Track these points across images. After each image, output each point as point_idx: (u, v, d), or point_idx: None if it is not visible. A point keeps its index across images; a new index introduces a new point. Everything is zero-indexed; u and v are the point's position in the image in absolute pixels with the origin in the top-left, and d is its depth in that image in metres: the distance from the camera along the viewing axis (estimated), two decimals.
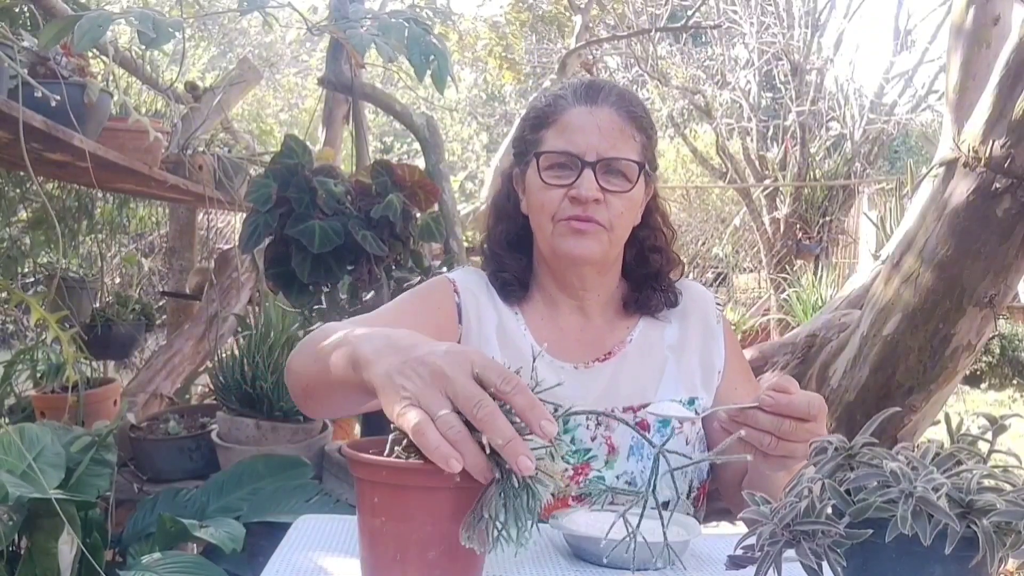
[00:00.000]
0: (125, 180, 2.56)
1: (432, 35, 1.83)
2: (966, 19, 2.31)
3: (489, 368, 0.72)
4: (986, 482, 0.67)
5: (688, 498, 1.22)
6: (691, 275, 8.87)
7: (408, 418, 0.70)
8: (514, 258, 1.27)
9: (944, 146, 2.24)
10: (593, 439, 1.19)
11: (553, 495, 1.17)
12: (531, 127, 1.23)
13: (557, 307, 1.26)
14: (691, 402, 1.23)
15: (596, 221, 1.16)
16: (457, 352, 0.74)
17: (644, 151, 1.21)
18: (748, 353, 2.64)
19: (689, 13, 6.53)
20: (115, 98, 2.23)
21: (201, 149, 2.85)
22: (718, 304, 1.31)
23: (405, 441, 0.73)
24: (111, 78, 2.86)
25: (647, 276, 1.28)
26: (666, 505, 1.19)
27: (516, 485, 0.69)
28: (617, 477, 1.17)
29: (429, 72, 1.80)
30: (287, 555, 0.91)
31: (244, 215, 2.39)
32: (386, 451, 0.75)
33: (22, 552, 1.56)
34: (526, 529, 0.69)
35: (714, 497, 1.32)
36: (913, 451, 0.72)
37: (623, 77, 9.19)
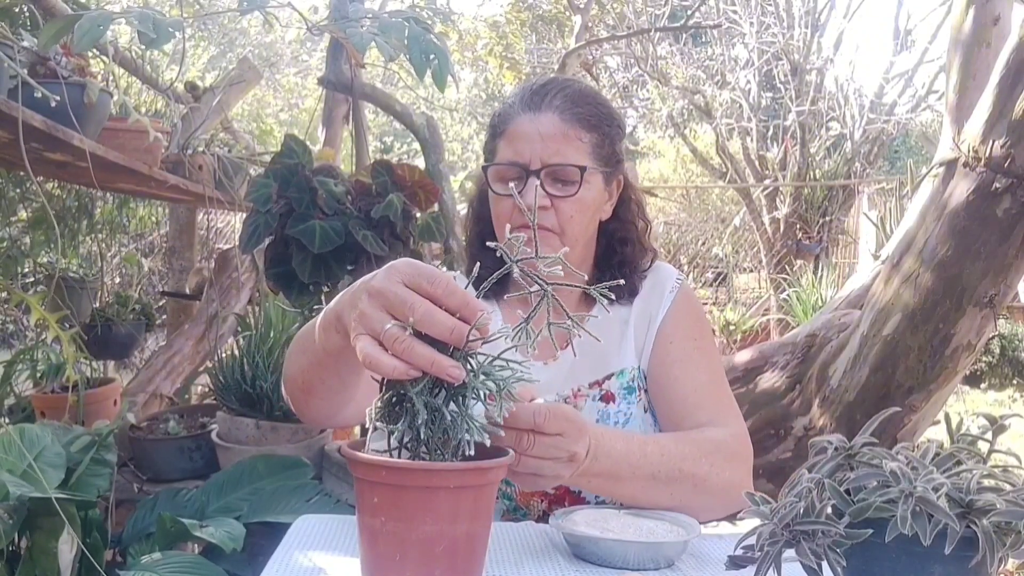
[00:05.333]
0: (125, 180, 2.56)
1: (432, 33, 1.83)
2: (966, 19, 2.32)
3: (418, 275, 0.75)
4: (986, 482, 0.67)
5: None
6: (691, 275, 8.87)
7: (359, 347, 0.74)
8: (490, 259, 1.28)
9: (944, 146, 2.24)
10: None
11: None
12: (490, 135, 1.27)
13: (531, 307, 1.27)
14: (639, 370, 1.25)
15: (546, 228, 1.18)
16: (388, 268, 0.77)
17: (596, 150, 1.21)
18: (748, 353, 2.64)
19: (689, 13, 6.52)
20: (115, 98, 2.22)
21: (201, 149, 2.85)
22: (679, 279, 1.31)
23: (378, 405, 0.75)
24: (111, 78, 2.85)
25: (613, 265, 1.29)
26: None
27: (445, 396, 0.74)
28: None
29: (429, 71, 1.80)
30: (287, 555, 0.91)
31: (244, 215, 2.39)
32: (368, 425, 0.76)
33: (22, 552, 1.55)
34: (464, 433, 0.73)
35: None
36: (913, 451, 0.72)
37: (623, 77, 9.19)
